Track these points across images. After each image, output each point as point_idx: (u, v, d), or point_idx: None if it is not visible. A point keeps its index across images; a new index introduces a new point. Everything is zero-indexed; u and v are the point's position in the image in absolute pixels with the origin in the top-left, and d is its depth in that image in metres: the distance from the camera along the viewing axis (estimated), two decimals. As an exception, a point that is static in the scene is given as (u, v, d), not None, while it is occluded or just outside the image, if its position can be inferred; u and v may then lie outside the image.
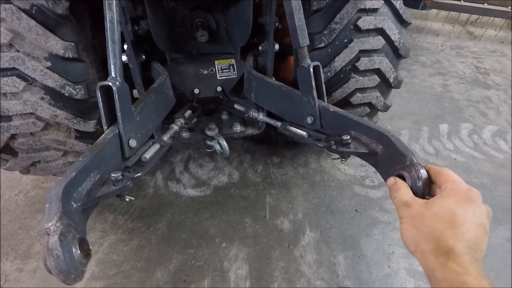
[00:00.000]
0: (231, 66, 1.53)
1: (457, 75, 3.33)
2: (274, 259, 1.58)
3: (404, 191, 0.67)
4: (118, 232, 1.67)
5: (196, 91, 1.49)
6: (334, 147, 1.00)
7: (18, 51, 1.11)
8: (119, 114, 0.88)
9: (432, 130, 2.52)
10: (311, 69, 1.08)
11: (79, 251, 0.58)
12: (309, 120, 1.14)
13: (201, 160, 2.11)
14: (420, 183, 0.66)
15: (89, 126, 1.32)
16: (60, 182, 0.68)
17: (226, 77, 1.52)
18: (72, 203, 0.70)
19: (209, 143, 1.47)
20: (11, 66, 1.11)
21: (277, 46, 1.38)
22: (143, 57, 1.38)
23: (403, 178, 0.71)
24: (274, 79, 1.46)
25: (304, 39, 1.07)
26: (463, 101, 2.91)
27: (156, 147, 1.03)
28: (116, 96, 0.86)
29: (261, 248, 1.63)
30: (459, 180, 0.63)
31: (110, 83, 0.85)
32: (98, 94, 0.86)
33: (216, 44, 1.51)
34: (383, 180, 0.83)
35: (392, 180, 0.72)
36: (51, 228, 0.58)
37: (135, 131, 0.95)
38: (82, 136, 1.35)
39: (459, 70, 3.42)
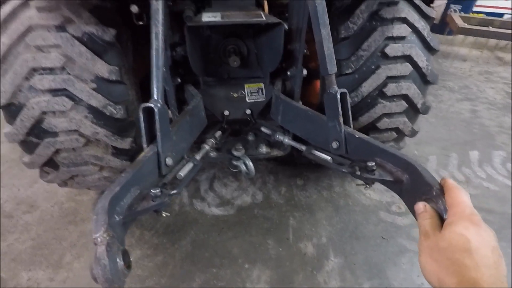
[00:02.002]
0: (260, 90, 1.59)
1: (487, 100, 3.24)
2: (297, 284, 1.56)
3: (431, 220, 0.65)
4: (143, 247, 1.71)
5: (226, 113, 1.55)
6: (358, 173, 1.00)
7: (69, 73, 1.23)
8: (158, 134, 0.94)
9: (461, 156, 2.44)
10: (338, 96, 1.10)
11: (122, 262, 0.62)
12: (334, 145, 1.14)
13: (226, 180, 2.14)
14: (446, 215, 0.64)
15: (126, 143, 1.41)
16: (105, 195, 0.73)
17: (255, 100, 1.57)
18: (114, 215, 0.74)
19: (235, 163, 1.51)
20: (62, 87, 1.22)
21: (305, 72, 1.42)
22: (178, 80, 1.47)
23: None
24: (301, 103, 1.50)
25: (332, 67, 1.10)
26: (494, 127, 2.82)
27: (190, 165, 1.08)
28: (157, 117, 0.92)
29: (283, 272, 1.61)
30: (463, 202, 0.61)
31: (152, 105, 0.92)
32: (140, 114, 0.92)
33: (247, 69, 1.58)
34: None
35: (421, 206, 0.69)
36: (99, 238, 0.63)
37: (171, 150, 1.01)
38: (118, 152, 1.44)
39: (488, 95, 3.33)
